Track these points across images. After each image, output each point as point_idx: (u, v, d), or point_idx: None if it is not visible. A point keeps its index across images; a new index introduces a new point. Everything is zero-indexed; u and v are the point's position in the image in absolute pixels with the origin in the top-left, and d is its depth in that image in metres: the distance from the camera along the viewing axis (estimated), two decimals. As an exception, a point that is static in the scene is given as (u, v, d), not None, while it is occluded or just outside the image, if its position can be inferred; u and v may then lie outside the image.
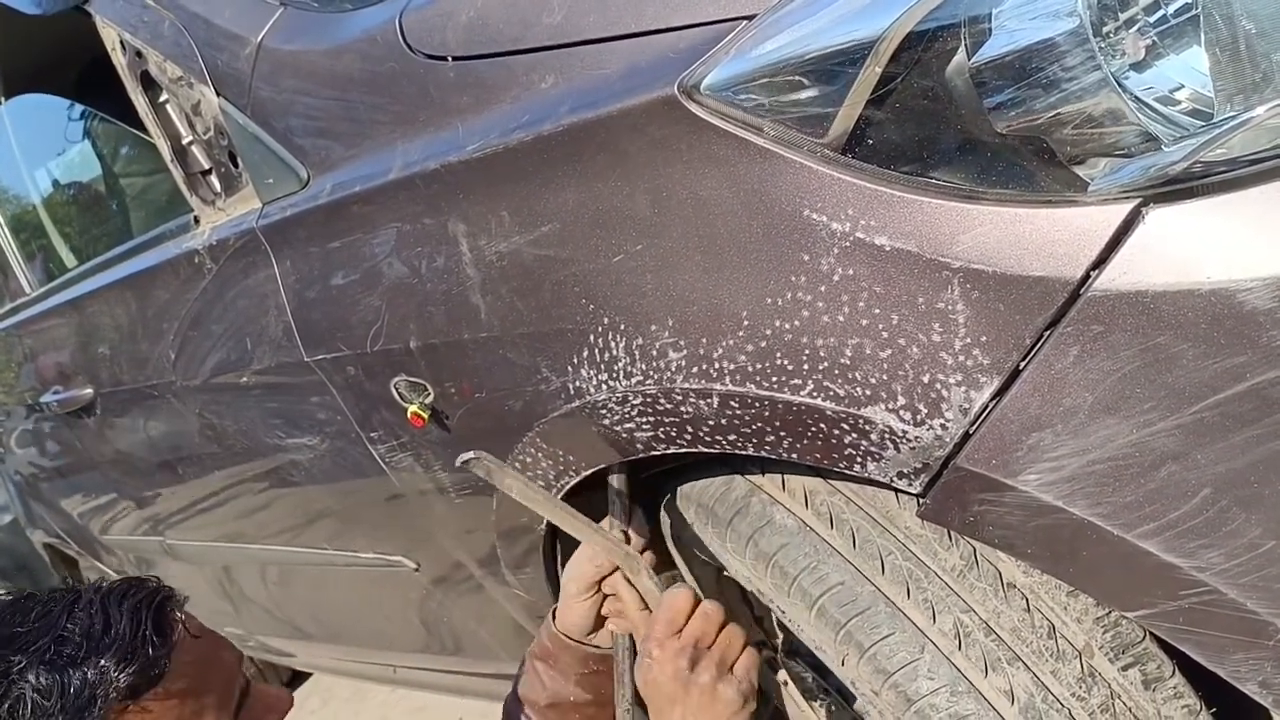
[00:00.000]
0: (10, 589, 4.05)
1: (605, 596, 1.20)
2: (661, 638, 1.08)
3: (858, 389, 0.86)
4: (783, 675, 1.29)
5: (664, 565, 1.28)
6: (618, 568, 1.17)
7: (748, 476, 1.16)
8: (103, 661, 0.87)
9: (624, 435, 1.07)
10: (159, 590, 0.96)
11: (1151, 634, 0.99)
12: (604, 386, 1.05)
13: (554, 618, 1.26)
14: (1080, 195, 0.74)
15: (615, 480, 1.22)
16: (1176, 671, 0.98)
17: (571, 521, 1.13)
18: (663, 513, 1.30)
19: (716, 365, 0.94)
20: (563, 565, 1.39)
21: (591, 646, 1.24)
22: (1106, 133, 0.73)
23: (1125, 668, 0.97)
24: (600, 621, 1.22)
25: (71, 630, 0.89)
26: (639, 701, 1.15)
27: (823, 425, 0.90)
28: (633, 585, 1.17)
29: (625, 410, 1.04)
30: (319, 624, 2.39)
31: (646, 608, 1.17)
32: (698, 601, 1.12)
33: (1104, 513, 0.78)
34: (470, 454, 1.05)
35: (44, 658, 0.86)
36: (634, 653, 1.20)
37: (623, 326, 1.00)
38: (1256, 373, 0.70)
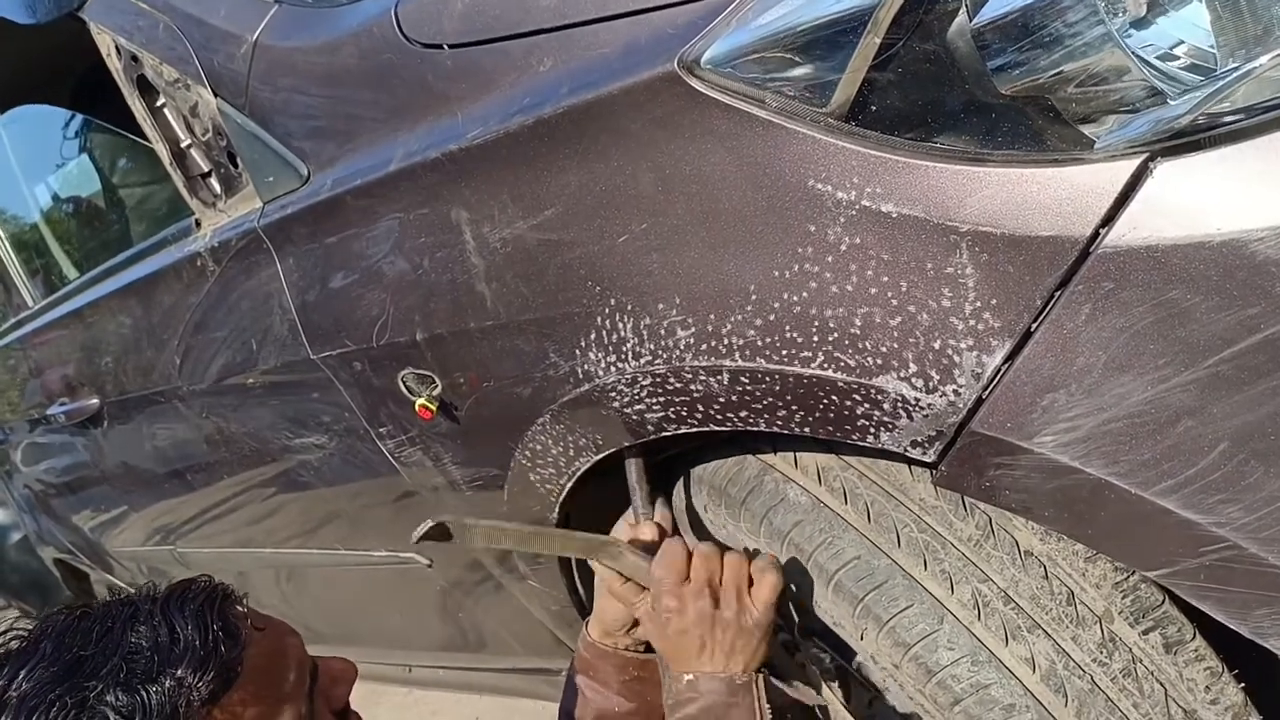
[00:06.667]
0: (22, 609, 4.01)
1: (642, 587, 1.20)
2: (672, 588, 1.08)
3: (868, 358, 0.86)
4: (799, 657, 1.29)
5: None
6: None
7: (759, 456, 1.15)
8: (178, 672, 0.85)
9: (634, 417, 1.07)
10: (215, 589, 0.94)
11: (1171, 598, 0.98)
12: (613, 369, 1.04)
13: (588, 630, 1.27)
14: (1087, 153, 0.73)
15: (633, 466, 1.22)
16: (1197, 634, 0.98)
17: (543, 539, 1.14)
18: (675, 496, 1.30)
19: (725, 341, 0.94)
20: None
21: (626, 651, 1.25)
22: (1111, 89, 0.72)
23: (1146, 632, 0.97)
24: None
25: (139, 645, 0.86)
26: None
27: (834, 397, 0.89)
28: (618, 571, 1.17)
29: (635, 391, 1.04)
30: (334, 625, 2.39)
31: (641, 587, 1.18)
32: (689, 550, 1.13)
33: (1121, 471, 0.77)
34: (424, 525, 1.03)
35: (118, 678, 0.84)
36: None
37: (630, 307, 1.00)
38: (1270, 323, 0.69)
